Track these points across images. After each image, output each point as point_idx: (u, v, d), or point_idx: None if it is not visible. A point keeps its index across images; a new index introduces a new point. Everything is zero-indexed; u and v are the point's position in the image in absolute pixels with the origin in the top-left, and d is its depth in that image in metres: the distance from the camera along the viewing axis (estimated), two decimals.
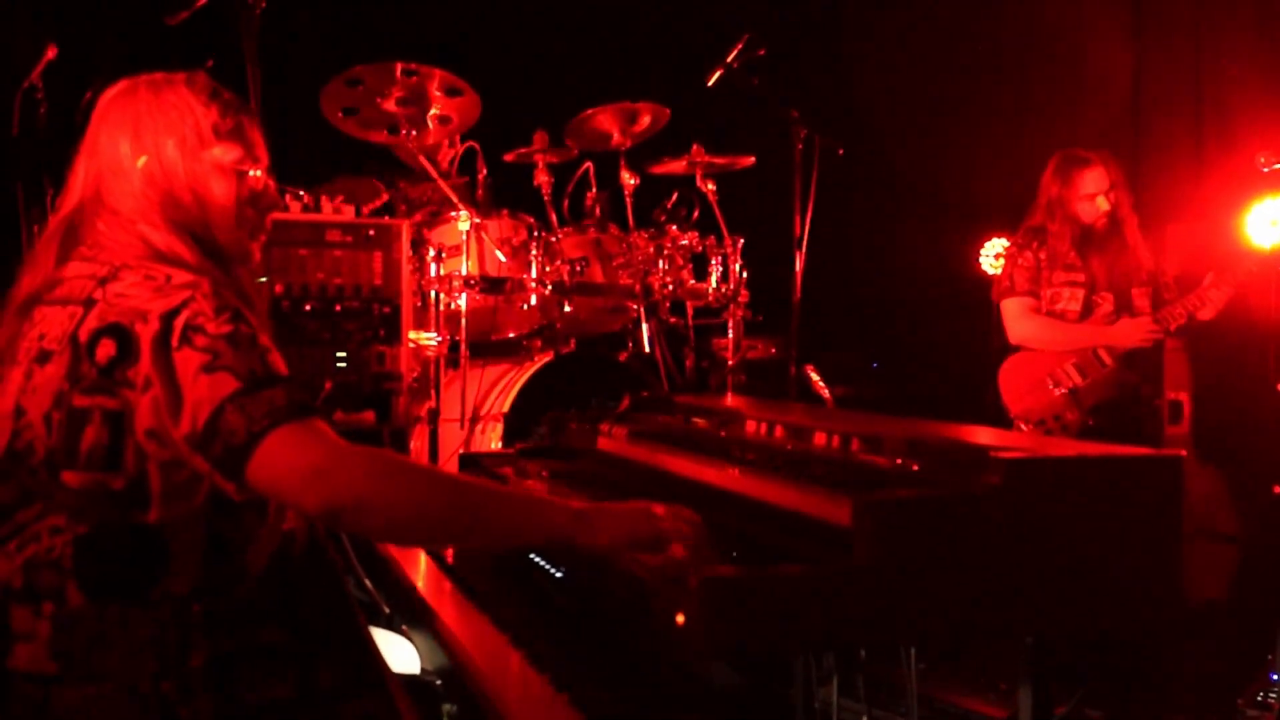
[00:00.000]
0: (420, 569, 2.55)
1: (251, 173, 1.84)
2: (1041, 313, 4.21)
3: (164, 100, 1.79)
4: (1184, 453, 1.80)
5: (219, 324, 1.61)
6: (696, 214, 4.61)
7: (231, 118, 1.83)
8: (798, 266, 4.66)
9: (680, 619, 1.52)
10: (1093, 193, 4.14)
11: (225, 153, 1.81)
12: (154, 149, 1.77)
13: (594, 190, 4.65)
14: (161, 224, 1.74)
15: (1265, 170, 3.91)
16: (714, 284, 4.48)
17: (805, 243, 4.66)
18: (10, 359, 1.72)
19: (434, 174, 4.37)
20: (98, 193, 1.77)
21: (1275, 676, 3.41)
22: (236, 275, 1.81)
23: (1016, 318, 4.25)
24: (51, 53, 4.01)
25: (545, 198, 4.47)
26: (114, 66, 1.89)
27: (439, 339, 3.95)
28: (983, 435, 2.14)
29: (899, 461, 1.84)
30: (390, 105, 4.24)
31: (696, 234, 4.51)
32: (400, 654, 2.76)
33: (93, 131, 1.81)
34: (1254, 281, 3.95)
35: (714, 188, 4.61)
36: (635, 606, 1.80)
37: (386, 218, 3.77)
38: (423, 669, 2.59)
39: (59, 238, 1.77)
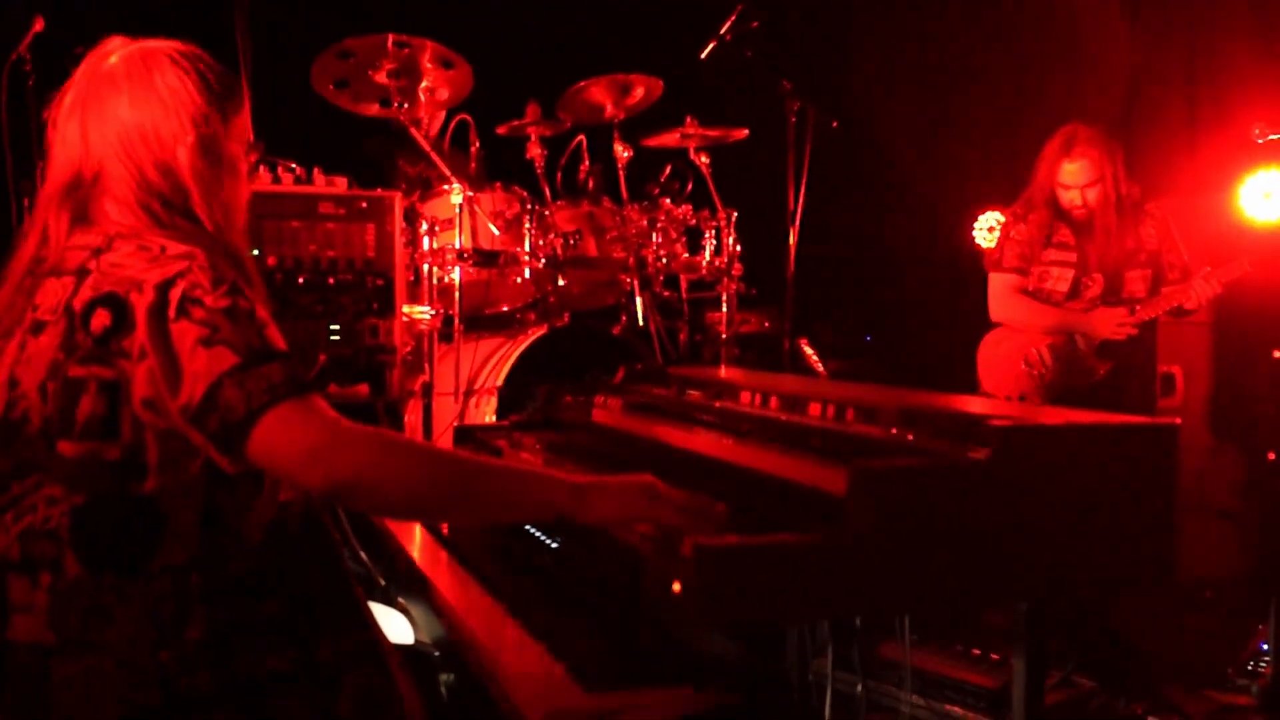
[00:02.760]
0: (416, 541, 2.55)
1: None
2: (1027, 290, 4.17)
3: (192, 73, 1.77)
4: (1179, 421, 1.80)
5: (217, 297, 1.60)
6: (690, 187, 4.59)
7: (236, 91, 1.83)
8: (791, 240, 4.65)
9: (676, 588, 1.53)
10: (1070, 185, 4.06)
11: (244, 130, 1.83)
12: (201, 125, 1.75)
13: (587, 163, 4.64)
14: (194, 197, 1.73)
15: (1260, 142, 3.90)
16: (708, 257, 4.48)
17: (799, 216, 4.65)
18: (4, 330, 1.71)
19: (426, 146, 4.35)
20: (113, 160, 1.72)
21: (1265, 646, 3.43)
22: (236, 247, 1.79)
23: (997, 295, 4.23)
24: (39, 25, 3.98)
25: (538, 170, 4.46)
26: (82, 45, 1.86)
27: (432, 313, 3.94)
28: (977, 405, 2.14)
29: (893, 431, 1.85)
30: (382, 78, 4.21)
31: (690, 207, 4.50)
32: (396, 627, 2.77)
33: (102, 94, 1.74)
34: (1246, 281, 3.86)
35: (707, 160, 4.59)
36: (631, 576, 1.80)
37: (379, 190, 3.75)
38: (419, 640, 2.60)
39: (70, 205, 1.73)
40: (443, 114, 4.87)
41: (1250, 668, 3.39)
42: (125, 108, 1.73)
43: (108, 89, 1.74)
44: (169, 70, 1.76)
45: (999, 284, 4.23)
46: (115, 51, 1.78)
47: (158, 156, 1.73)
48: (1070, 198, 4.08)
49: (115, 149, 1.72)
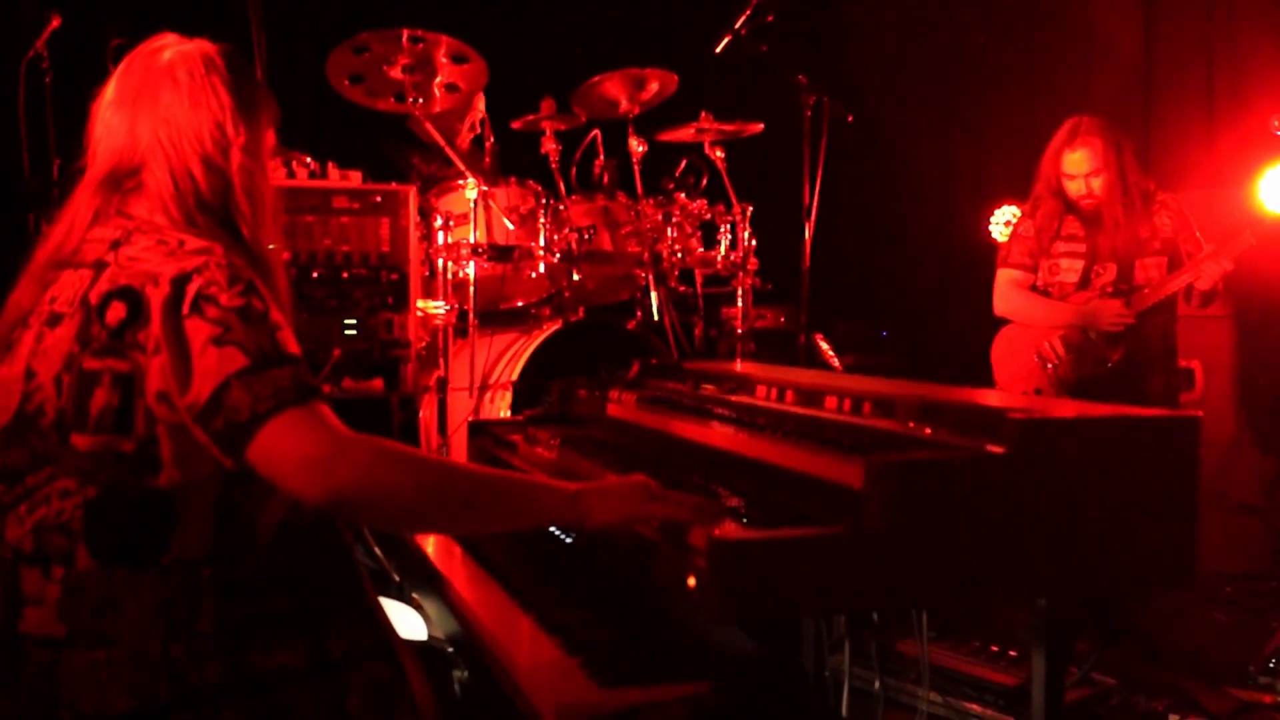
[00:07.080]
0: (430, 536, 2.55)
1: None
2: (1036, 286, 4.19)
3: (239, 76, 1.78)
4: (1200, 414, 1.78)
5: (232, 296, 1.59)
6: (705, 181, 4.58)
7: (267, 95, 1.84)
8: (807, 234, 4.63)
9: (691, 582, 1.52)
10: (1074, 174, 4.09)
11: (271, 134, 1.84)
12: (250, 127, 1.76)
13: (602, 158, 4.63)
14: (238, 197, 1.73)
15: (1279, 134, 3.86)
16: (723, 252, 4.46)
17: (814, 210, 4.63)
18: (23, 322, 1.71)
19: (440, 140, 4.34)
20: (159, 157, 1.72)
21: None
22: (266, 249, 1.78)
23: (1001, 290, 4.29)
24: (56, 22, 3.98)
25: (553, 165, 4.45)
26: (120, 36, 1.86)
27: (447, 307, 3.93)
28: (995, 398, 2.12)
29: (910, 425, 1.83)
30: (397, 73, 4.20)
31: (705, 201, 4.49)
32: (410, 623, 2.76)
33: (157, 90, 1.74)
34: (1253, 254, 3.86)
35: (722, 155, 4.57)
36: (646, 570, 1.79)
37: (393, 184, 3.75)
38: (433, 636, 2.59)
39: (103, 194, 1.73)
40: (471, 129, 4.88)
41: (1273, 665, 3.36)
42: (182, 106, 1.74)
43: (165, 85, 1.75)
44: (224, 72, 1.77)
45: (1002, 280, 4.29)
46: (170, 48, 1.79)
47: (208, 156, 1.73)
48: (1075, 187, 4.10)
49: (165, 146, 1.72)
